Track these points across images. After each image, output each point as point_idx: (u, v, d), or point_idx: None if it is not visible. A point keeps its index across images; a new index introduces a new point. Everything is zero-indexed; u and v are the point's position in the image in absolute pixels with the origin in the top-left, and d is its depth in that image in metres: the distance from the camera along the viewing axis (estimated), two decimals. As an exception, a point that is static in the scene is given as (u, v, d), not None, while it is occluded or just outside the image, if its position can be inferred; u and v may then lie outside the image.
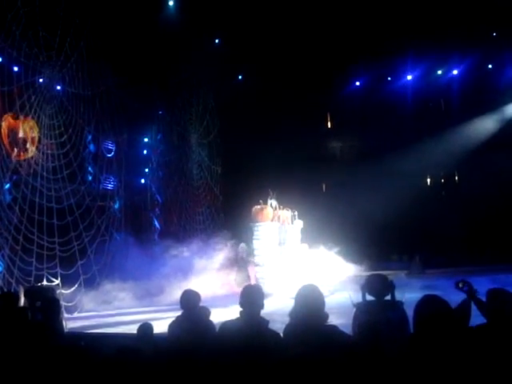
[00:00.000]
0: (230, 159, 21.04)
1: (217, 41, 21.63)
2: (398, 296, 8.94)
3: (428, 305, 3.58)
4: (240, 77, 22.68)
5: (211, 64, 19.85)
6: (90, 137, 16.46)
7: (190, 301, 5.35)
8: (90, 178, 16.62)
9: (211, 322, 5.36)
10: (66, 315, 11.48)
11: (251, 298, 4.46)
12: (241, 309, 4.48)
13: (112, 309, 13.92)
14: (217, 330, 4.83)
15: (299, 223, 18.59)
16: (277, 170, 20.30)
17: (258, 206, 17.21)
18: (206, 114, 22.03)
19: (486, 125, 21.00)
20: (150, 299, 14.68)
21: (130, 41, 16.49)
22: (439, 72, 22.48)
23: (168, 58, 18.19)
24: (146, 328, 5.71)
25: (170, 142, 20.65)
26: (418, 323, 3.68)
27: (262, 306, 4.44)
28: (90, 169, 16.62)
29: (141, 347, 5.07)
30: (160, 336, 5.75)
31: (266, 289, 15.18)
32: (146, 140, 20.08)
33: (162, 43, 17.53)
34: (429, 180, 24.03)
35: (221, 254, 17.02)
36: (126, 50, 16.51)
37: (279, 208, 17.74)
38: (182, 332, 5.16)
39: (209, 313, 5.64)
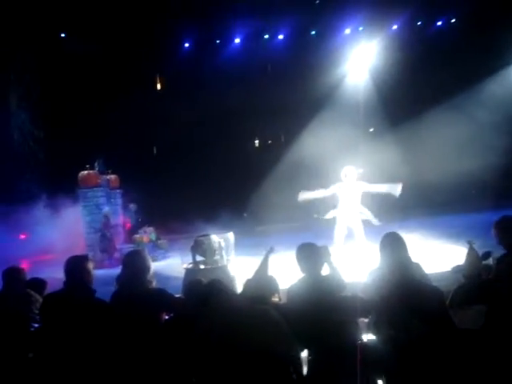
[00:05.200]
0: (56, 122, 19.93)
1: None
2: (227, 255, 9.31)
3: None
4: (63, 35, 21.35)
5: (31, 20, 18.40)
6: None
7: (9, 276, 5.43)
8: None
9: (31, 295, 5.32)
10: None
11: (73, 268, 4.38)
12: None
13: None
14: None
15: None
16: (106, 132, 19.69)
17: (85, 172, 16.67)
18: (27, 73, 20.49)
19: (311, 87, 21.79)
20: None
21: None
22: (266, 36, 23.08)
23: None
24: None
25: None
26: None
27: (84, 275, 4.38)
28: None
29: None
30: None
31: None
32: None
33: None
34: (257, 142, 24.93)
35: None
36: None
37: (108, 173, 17.35)
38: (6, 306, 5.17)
39: (43, 284, 5.66)
